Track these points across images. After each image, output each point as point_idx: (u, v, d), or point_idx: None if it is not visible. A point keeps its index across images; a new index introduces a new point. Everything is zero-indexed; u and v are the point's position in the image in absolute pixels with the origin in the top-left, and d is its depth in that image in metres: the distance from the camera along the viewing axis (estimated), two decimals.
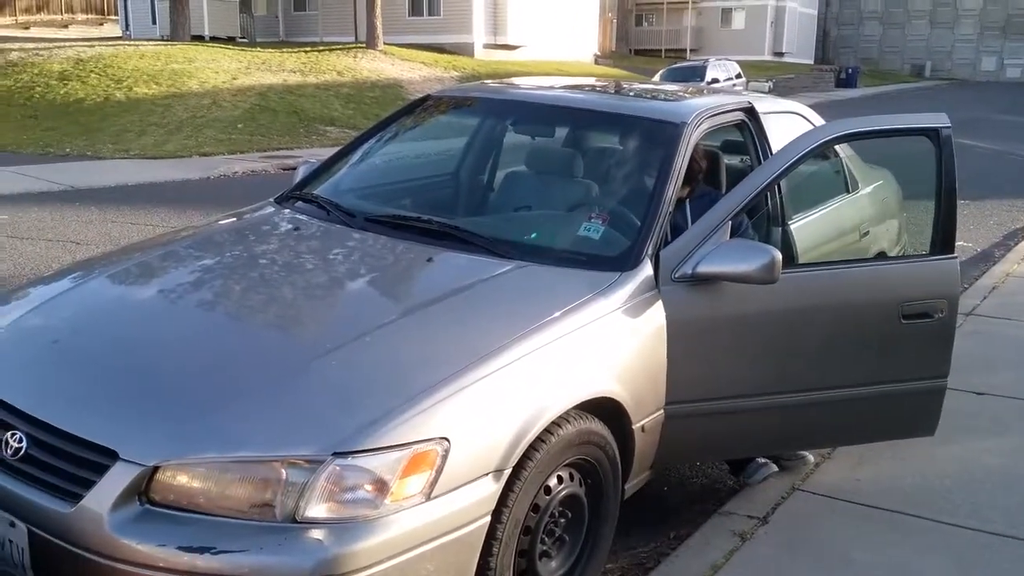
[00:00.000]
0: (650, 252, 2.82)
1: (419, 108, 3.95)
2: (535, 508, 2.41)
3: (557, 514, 2.51)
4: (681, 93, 3.98)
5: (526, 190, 3.60)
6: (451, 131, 4.09)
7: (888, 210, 4.75)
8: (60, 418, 2.17)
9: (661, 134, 3.22)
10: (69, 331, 2.60)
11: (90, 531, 2.02)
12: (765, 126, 3.59)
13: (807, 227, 3.64)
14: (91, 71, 18.17)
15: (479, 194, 3.86)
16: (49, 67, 18.49)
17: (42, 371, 2.42)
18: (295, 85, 19.19)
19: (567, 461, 2.49)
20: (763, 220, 3.31)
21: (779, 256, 2.73)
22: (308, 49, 23.78)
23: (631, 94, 3.99)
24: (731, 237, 2.91)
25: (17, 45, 20.98)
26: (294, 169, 4.08)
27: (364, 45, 24.51)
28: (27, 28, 32.58)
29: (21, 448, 2.17)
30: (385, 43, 24.60)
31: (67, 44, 21.71)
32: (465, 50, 28.38)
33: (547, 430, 2.35)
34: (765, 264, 2.72)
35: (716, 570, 2.83)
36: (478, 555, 2.22)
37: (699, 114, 3.29)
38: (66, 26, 34.77)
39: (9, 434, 2.20)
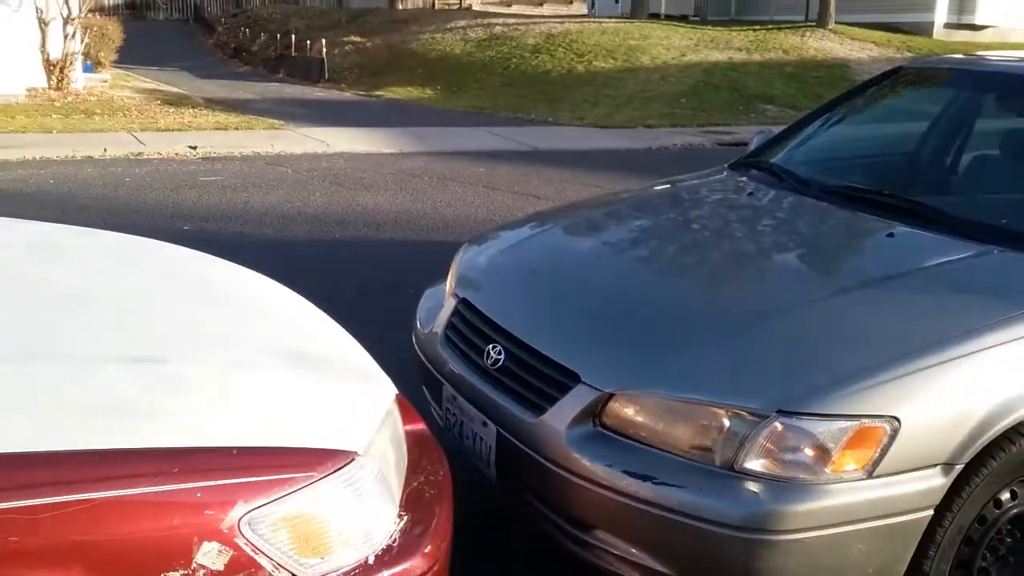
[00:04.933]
0: None
1: (889, 80, 3.74)
2: (981, 520, 2.21)
3: (1005, 532, 2.28)
4: None
5: (1002, 173, 3.26)
6: (920, 105, 3.82)
7: None
8: (535, 339, 2.45)
9: None
10: (539, 267, 2.93)
11: (549, 441, 2.25)
12: None
13: None
14: (559, 45, 19.83)
15: (944, 174, 3.56)
16: (525, 41, 20.55)
17: (521, 297, 2.75)
18: (739, 63, 19.07)
19: None
20: None
21: None
22: (757, 27, 23.45)
23: None
24: None
25: (500, 20, 23.57)
26: (729, 145, 4.13)
27: (814, 24, 23.50)
28: (509, 5, 36.37)
29: (499, 360, 2.48)
30: (836, 22, 23.35)
31: (541, 20, 23.87)
32: (923, 30, 25.73)
33: (1008, 435, 2.13)
34: None
35: None
36: (913, 550, 2.10)
37: None
38: (541, 4, 38.21)
39: (491, 346, 2.54)
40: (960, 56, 4.08)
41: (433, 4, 33.16)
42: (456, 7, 33.48)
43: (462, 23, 23.45)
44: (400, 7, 29.68)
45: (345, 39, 24.14)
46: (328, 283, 4.87)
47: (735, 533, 1.98)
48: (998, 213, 2.86)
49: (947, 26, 26.12)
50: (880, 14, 26.36)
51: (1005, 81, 3.54)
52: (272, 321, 2.24)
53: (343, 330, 2.29)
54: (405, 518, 1.78)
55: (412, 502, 1.84)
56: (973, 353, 2.13)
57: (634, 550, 2.13)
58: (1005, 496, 2.24)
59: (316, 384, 1.90)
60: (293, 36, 24.29)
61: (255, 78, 22.39)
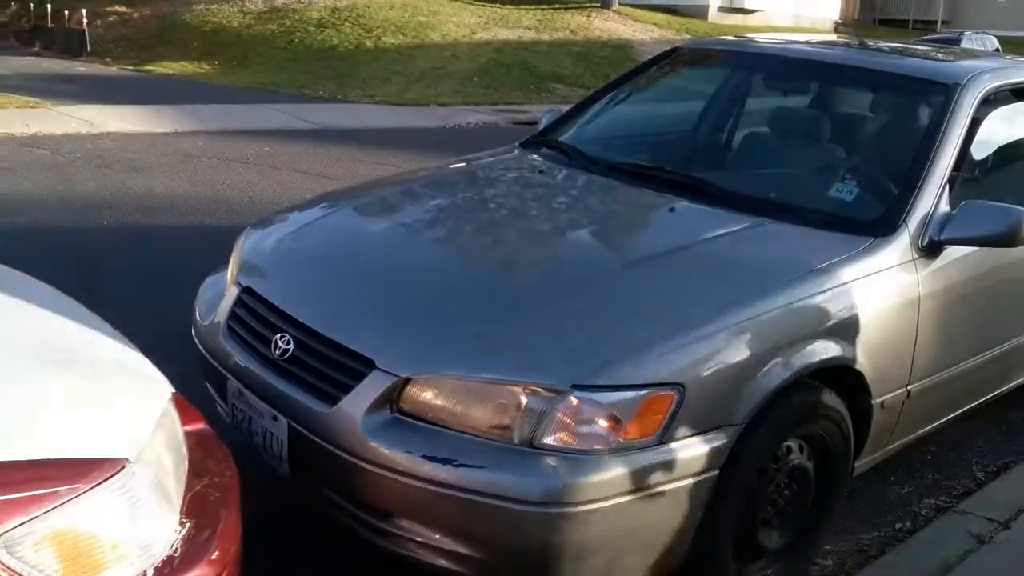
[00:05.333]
0: (908, 220, 2.67)
1: (667, 60, 3.91)
2: (761, 475, 2.36)
3: (783, 484, 2.45)
4: (956, 54, 3.67)
5: (771, 149, 3.49)
6: (697, 84, 4.02)
7: None
8: (326, 326, 2.35)
9: (930, 96, 3.00)
10: (329, 252, 2.81)
11: (344, 431, 2.17)
12: None
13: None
14: (345, 20, 19.34)
15: (721, 150, 3.78)
16: (309, 14, 19.86)
17: (310, 283, 2.63)
18: (529, 42, 19.47)
19: (799, 432, 2.42)
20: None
21: None
22: (545, 7, 24.00)
23: (896, 52, 3.73)
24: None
25: None
26: (523, 124, 4.18)
27: (599, 4, 24.42)
28: None
29: (289, 350, 2.36)
30: (621, 3, 24.40)
31: None
32: (699, 13, 27.46)
33: (783, 395, 2.28)
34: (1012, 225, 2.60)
35: (948, 570, 2.65)
36: (702, 509, 2.20)
37: (976, 76, 3.03)
38: None
39: (279, 336, 2.40)
40: (730, 38, 4.32)
41: None
42: None
43: None
44: None
45: (108, 9, 22.31)
46: (94, 275, 4.48)
47: (535, 508, 2.00)
48: (768, 187, 3.06)
49: (720, 10, 27.91)
50: None
51: (769, 62, 3.79)
52: (25, 321, 2.01)
53: (110, 327, 2.11)
54: (188, 525, 1.67)
55: (195, 507, 1.73)
56: (749, 319, 2.27)
57: (437, 535, 2.11)
58: (782, 451, 2.40)
59: (80, 388, 1.76)
60: (49, 5, 22.19)
61: (6, 52, 20.20)
